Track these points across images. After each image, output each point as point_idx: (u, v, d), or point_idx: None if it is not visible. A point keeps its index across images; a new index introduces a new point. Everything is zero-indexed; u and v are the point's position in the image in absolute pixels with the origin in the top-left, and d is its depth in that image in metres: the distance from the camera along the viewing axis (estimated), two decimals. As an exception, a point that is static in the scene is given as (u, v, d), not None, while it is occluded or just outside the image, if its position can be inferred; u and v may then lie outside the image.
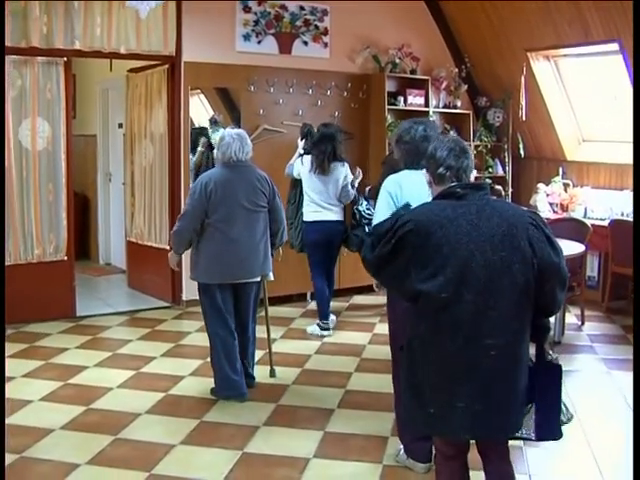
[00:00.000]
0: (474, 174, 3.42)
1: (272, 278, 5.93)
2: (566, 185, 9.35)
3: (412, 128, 4.50)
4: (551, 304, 3.32)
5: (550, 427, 3.39)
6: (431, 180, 3.42)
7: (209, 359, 5.76)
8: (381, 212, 4.36)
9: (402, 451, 4.58)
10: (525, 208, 3.67)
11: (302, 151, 7.57)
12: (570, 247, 7.09)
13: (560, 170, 9.42)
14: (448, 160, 3.34)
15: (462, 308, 3.12)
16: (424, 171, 3.41)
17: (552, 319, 6.87)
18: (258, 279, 5.71)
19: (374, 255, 3.32)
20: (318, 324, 7.46)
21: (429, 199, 3.63)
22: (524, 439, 3.48)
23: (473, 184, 3.37)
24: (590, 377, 6.29)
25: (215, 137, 8.34)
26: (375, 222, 4.28)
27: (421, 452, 4.45)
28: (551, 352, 3.42)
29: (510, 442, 4.20)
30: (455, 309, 3.13)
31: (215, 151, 5.71)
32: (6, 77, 7.14)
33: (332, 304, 7.92)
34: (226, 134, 5.58)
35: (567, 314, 7.62)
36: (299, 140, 7.74)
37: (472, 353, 3.14)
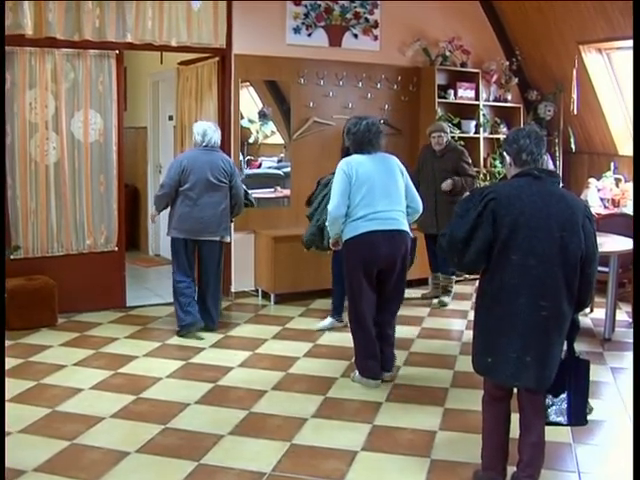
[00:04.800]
0: (550, 166, 3.87)
1: (228, 240, 7.28)
2: (618, 180, 9.22)
3: (358, 123, 5.71)
4: (586, 290, 3.84)
5: (578, 414, 3.97)
6: (512, 162, 3.93)
7: (173, 298, 7.15)
8: (338, 186, 5.58)
9: (357, 373, 5.82)
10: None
11: None
12: (621, 243, 7.02)
13: (612, 165, 9.31)
14: (530, 147, 3.86)
15: (527, 272, 3.72)
16: (504, 153, 3.97)
17: (602, 315, 6.93)
18: (217, 238, 7.04)
19: (462, 222, 3.84)
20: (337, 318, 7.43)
21: (378, 175, 5.57)
22: (557, 424, 4.00)
23: (548, 170, 3.95)
24: (641, 374, 6.21)
25: (265, 130, 8.44)
26: (332, 196, 5.60)
27: (371, 372, 5.75)
28: (577, 349, 3.99)
29: (559, 439, 4.33)
30: (522, 271, 3.72)
31: (196, 137, 7.01)
32: (59, 70, 7.26)
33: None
34: (206, 126, 7.04)
35: (618, 311, 7.52)
36: None
37: (528, 311, 3.73)
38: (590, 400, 4.07)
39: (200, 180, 6.83)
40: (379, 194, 5.58)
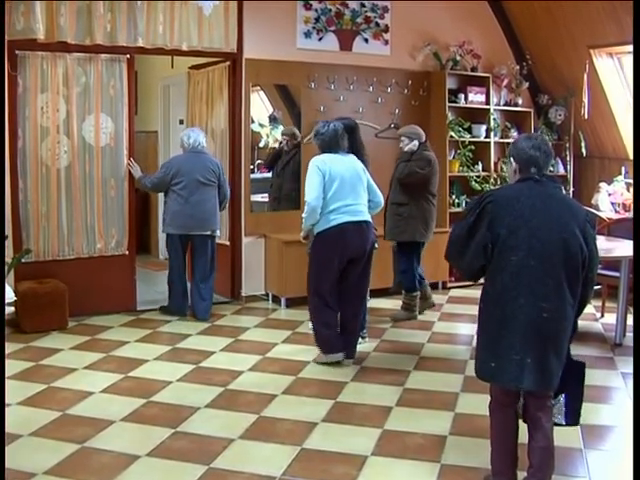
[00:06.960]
0: (561, 170, 3.94)
1: (218, 234, 7.92)
2: (629, 184, 9.19)
3: (326, 126, 6.28)
4: (588, 291, 3.90)
5: (575, 414, 4.04)
6: (517, 169, 3.97)
7: (167, 283, 7.90)
8: (312, 181, 6.09)
9: (320, 354, 6.34)
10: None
11: None
12: (632, 247, 6.97)
13: (623, 169, 9.28)
14: (539, 160, 3.89)
15: (527, 272, 3.72)
16: (511, 159, 4.01)
17: (613, 320, 6.89)
18: (208, 233, 7.71)
19: (462, 224, 3.95)
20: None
21: (346, 172, 6.12)
22: (556, 425, 4.01)
23: (549, 175, 3.97)
24: (652, 380, 6.19)
25: (275, 134, 8.46)
26: (308, 190, 6.10)
27: (334, 347, 6.26)
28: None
29: (569, 444, 4.33)
30: (521, 272, 3.73)
31: (184, 141, 7.71)
32: (70, 74, 7.28)
33: (395, 301, 7.92)
34: (191, 131, 7.81)
35: (629, 316, 7.49)
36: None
37: (529, 312, 3.72)
38: (600, 405, 4.07)
39: (191, 181, 7.51)
40: (347, 189, 6.16)
